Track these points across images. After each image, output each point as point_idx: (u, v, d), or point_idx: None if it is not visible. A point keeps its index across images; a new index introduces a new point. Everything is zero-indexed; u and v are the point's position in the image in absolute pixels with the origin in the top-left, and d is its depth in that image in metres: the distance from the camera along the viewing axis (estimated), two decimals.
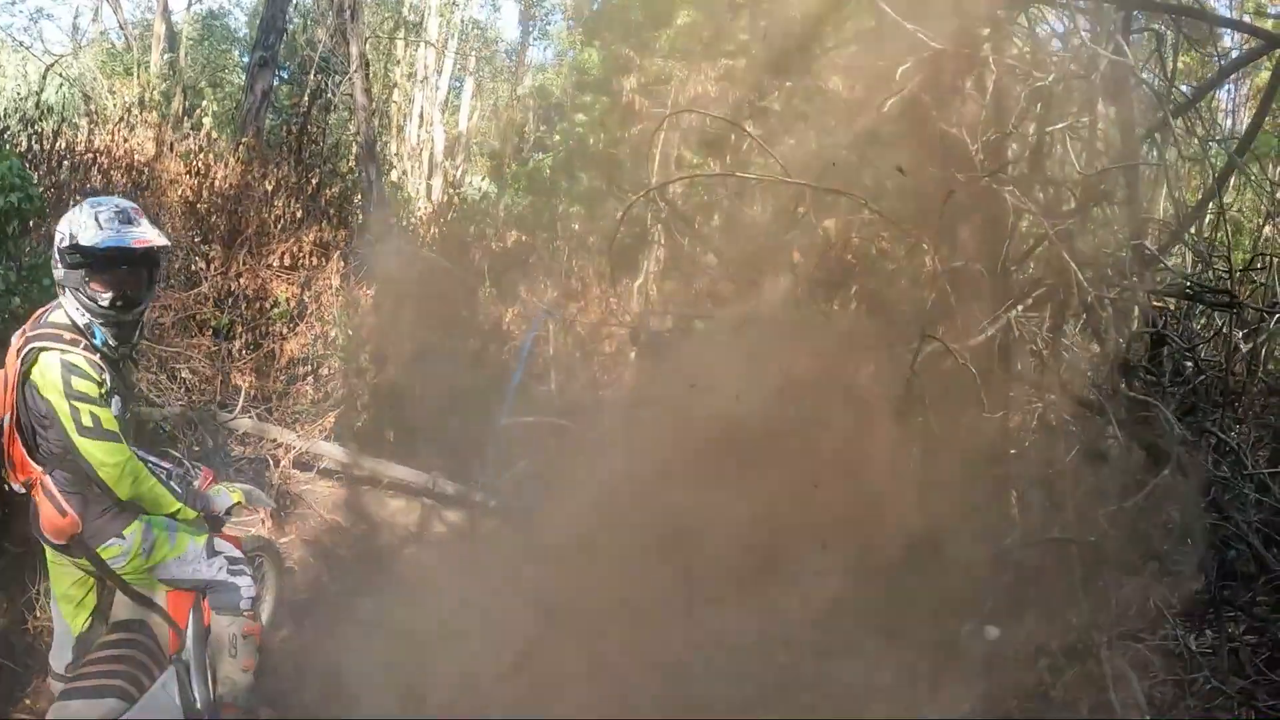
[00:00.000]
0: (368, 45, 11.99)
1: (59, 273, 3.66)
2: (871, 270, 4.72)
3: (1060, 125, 4.21)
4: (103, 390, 3.61)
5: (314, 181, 10.51)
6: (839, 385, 4.27)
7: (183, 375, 7.39)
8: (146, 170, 8.58)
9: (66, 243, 3.60)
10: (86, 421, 3.54)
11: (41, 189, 6.81)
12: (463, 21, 20.85)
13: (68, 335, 3.61)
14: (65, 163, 8.24)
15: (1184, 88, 5.51)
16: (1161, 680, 4.09)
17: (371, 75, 13.11)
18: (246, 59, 14.60)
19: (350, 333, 8.36)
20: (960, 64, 4.10)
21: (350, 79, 10.75)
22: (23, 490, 3.81)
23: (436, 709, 4.09)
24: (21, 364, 3.59)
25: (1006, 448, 4.22)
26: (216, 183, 9.00)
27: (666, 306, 11.52)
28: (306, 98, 11.91)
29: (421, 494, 7.68)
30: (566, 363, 9.64)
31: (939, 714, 4.21)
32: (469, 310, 10.16)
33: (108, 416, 3.61)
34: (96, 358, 3.63)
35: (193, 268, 8.02)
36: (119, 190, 8.08)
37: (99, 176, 8.24)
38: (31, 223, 5.68)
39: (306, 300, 8.30)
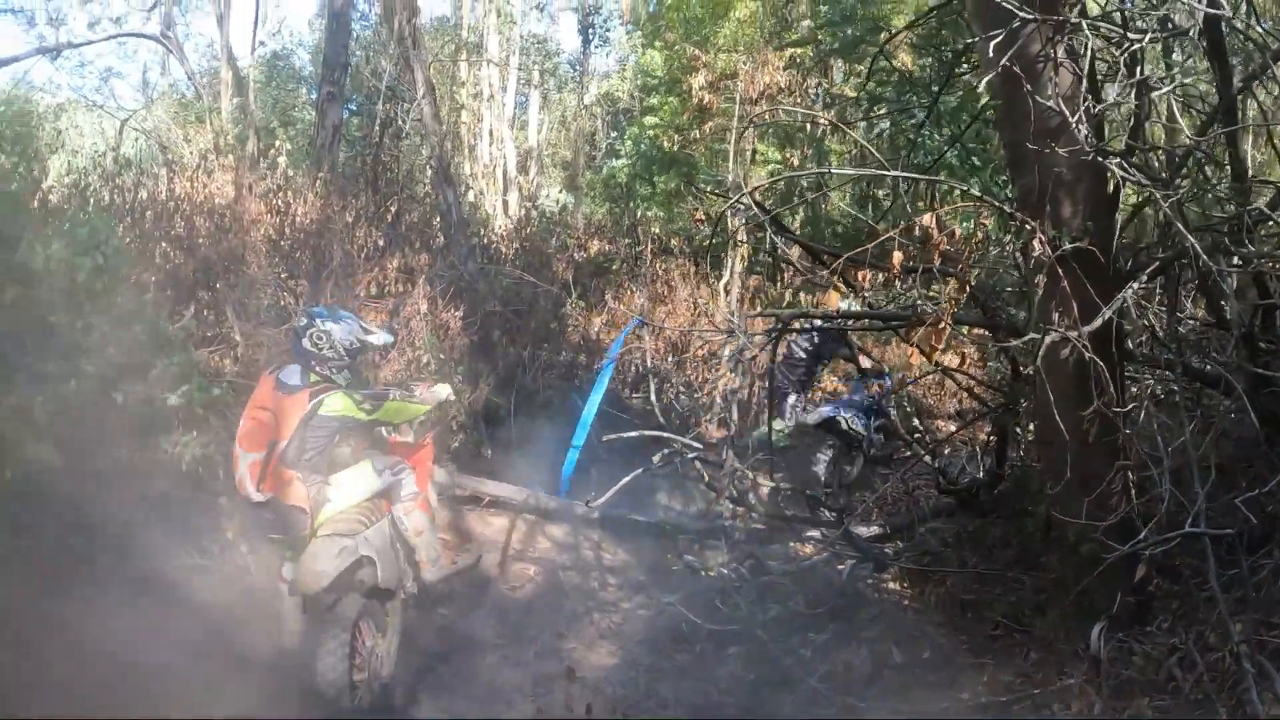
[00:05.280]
0: (431, 70, 12.03)
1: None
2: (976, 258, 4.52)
3: (1164, 90, 3.94)
4: None
5: (392, 209, 10.59)
6: None
7: None
8: (228, 213, 8.68)
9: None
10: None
11: (127, 240, 6.96)
12: (522, 37, 20.91)
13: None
14: (149, 212, 8.36)
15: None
16: None
17: (439, 98, 13.17)
18: (314, 96, 14.79)
19: (441, 356, 8.35)
20: (1048, 30, 3.88)
21: (418, 105, 10.76)
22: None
23: None
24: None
25: (1128, 433, 3.98)
26: (297, 219, 9.08)
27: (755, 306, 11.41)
28: (377, 128, 11.97)
29: (523, 510, 7.69)
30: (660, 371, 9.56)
31: (1067, 714, 4.04)
32: (557, 322, 10.13)
33: None
34: None
35: (281, 303, 8.08)
36: (202, 233, 8.22)
37: (181, 223, 8.35)
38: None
39: (396, 326, 8.32)
